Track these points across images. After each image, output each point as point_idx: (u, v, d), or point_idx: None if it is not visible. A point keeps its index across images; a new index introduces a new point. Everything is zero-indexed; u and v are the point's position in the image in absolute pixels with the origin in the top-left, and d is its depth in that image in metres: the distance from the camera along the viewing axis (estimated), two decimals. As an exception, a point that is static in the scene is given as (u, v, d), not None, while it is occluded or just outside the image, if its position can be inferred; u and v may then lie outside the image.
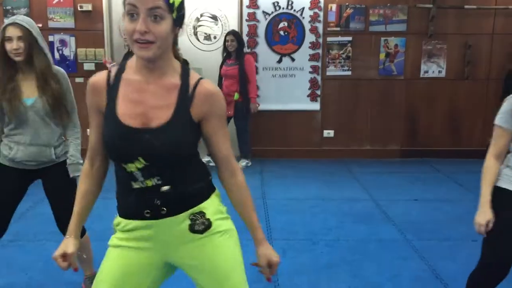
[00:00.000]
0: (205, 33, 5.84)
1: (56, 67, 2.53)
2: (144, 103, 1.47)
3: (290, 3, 5.70)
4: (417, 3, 5.73)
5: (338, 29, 5.78)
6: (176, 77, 1.50)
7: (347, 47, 5.81)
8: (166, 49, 1.45)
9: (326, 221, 3.98)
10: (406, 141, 5.93)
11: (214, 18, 5.79)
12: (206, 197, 1.58)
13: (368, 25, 5.78)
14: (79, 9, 5.54)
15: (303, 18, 5.74)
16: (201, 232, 1.55)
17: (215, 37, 5.83)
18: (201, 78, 1.53)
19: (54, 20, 5.60)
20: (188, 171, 1.54)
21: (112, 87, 1.49)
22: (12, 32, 2.36)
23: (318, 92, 5.90)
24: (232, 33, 5.31)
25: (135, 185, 1.51)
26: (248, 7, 5.66)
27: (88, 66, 5.66)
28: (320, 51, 5.81)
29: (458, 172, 5.37)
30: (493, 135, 2.27)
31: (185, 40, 5.82)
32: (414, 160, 3.69)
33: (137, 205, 1.53)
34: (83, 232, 2.61)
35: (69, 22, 5.60)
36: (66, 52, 5.68)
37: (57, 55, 5.67)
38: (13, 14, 5.55)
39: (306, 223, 3.94)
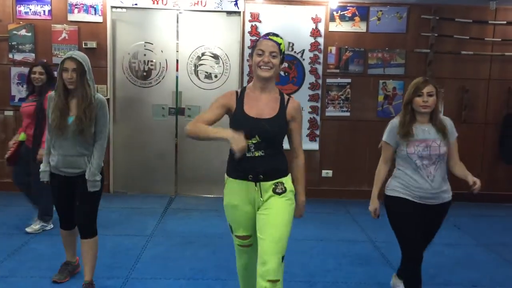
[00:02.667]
0: (206, 72, 5.92)
1: (99, 95, 3.14)
2: (259, 105, 2.51)
3: (291, 45, 5.81)
4: (415, 48, 5.85)
5: (337, 71, 5.88)
6: (277, 94, 2.58)
7: (346, 88, 5.90)
8: (275, 75, 2.53)
9: (324, 263, 3.93)
10: (404, 183, 5.91)
11: (216, 57, 5.89)
12: (285, 175, 2.56)
13: (367, 68, 5.88)
14: (83, 46, 5.64)
15: (303, 59, 5.85)
16: (279, 193, 2.51)
17: (216, 76, 5.91)
18: (290, 96, 2.62)
19: (59, 56, 5.68)
20: (279, 155, 2.54)
21: (240, 97, 2.54)
22: (68, 64, 3.00)
23: (317, 132, 5.94)
24: (41, 64, 4.39)
25: (248, 154, 2.42)
26: (249, 47, 5.77)
27: (90, 102, 5.71)
28: (319, 92, 5.89)
29: (457, 215, 5.34)
30: (382, 148, 3.08)
31: (185, 78, 5.90)
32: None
33: (245, 170, 2.47)
34: (93, 234, 3.21)
35: (73, 59, 5.68)
36: (69, 87, 5.73)
37: (59, 90, 5.73)
38: (19, 50, 5.66)
39: (304, 264, 3.89)
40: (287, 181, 2.54)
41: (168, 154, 6.01)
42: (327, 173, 6.04)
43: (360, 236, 4.67)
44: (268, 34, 2.52)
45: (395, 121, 2.99)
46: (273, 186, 2.48)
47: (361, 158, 6.01)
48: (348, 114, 5.95)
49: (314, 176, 6.01)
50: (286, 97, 2.58)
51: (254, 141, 2.43)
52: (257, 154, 2.44)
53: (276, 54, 2.45)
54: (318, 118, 5.92)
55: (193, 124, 2.46)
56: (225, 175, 2.62)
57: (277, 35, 2.51)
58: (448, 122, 3.00)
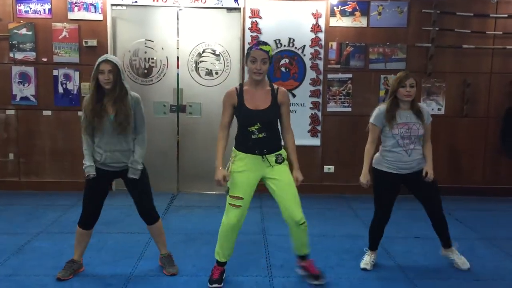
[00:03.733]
0: (207, 69, 5.92)
1: (133, 93, 3.41)
2: (255, 99, 3.24)
3: (291, 40, 5.81)
4: (416, 42, 5.83)
5: (338, 66, 5.87)
6: (268, 87, 3.30)
7: (348, 84, 5.89)
8: (265, 75, 3.24)
9: (327, 259, 3.94)
10: (407, 178, 5.91)
11: (216, 54, 5.89)
12: (281, 148, 3.34)
13: (368, 63, 5.87)
14: (84, 44, 5.65)
15: (304, 55, 5.84)
16: (280, 163, 3.29)
17: (216, 73, 5.91)
18: (278, 87, 3.34)
19: (59, 55, 5.70)
20: (276, 135, 3.32)
21: (240, 93, 3.27)
22: (104, 66, 3.24)
23: (319, 128, 5.94)
24: None
25: (254, 137, 3.22)
26: (250, 44, 5.76)
27: (91, 100, 5.72)
28: (320, 87, 5.89)
29: (458, 209, 5.35)
30: (370, 129, 3.67)
31: (186, 75, 5.90)
32: (414, 197, 3.70)
33: (253, 147, 3.24)
34: (157, 219, 3.61)
35: (74, 57, 5.69)
36: (70, 86, 5.75)
37: (60, 89, 5.74)
38: (19, 49, 5.67)
39: (306, 260, 3.89)
40: (283, 152, 3.34)
41: (169, 151, 6.02)
42: (329, 168, 6.04)
43: (363, 232, 4.66)
44: (258, 44, 3.20)
45: (382, 107, 3.63)
46: (275, 158, 3.27)
47: (363, 153, 5.98)
48: (349, 109, 5.94)
49: (316, 172, 6.01)
50: (275, 87, 3.30)
51: (256, 127, 3.19)
52: (260, 136, 3.21)
53: (266, 61, 3.16)
54: (319, 113, 5.92)
55: (220, 133, 3.32)
56: (234, 150, 3.33)
57: (265, 44, 3.21)
58: (425, 109, 3.67)
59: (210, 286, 3.33)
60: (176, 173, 6.06)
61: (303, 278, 3.50)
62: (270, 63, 3.21)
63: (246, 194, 3.27)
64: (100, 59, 3.29)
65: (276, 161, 3.27)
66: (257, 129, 3.20)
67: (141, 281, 3.47)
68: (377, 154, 3.71)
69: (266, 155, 3.25)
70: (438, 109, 5.93)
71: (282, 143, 3.40)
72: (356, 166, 6.02)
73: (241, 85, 3.31)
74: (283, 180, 3.27)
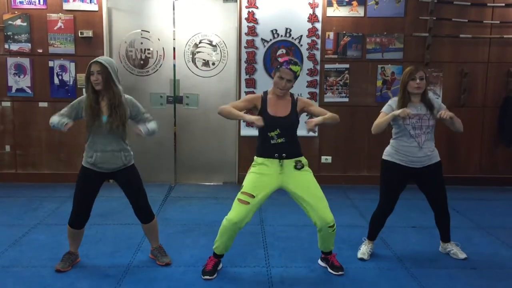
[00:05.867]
0: (204, 60, 5.89)
1: (127, 96, 3.46)
2: (277, 106, 3.35)
3: (288, 31, 5.78)
4: (413, 32, 5.82)
5: (335, 56, 5.85)
6: (289, 97, 3.43)
7: (345, 74, 5.87)
8: (288, 91, 3.41)
9: (324, 248, 3.94)
10: (404, 168, 5.93)
11: (213, 44, 5.86)
12: (301, 155, 3.39)
13: (365, 53, 5.85)
14: (79, 35, 5.61)
15: (301, 45, 5.81)
16: (299, 169, 3.34)
17: (213, 64, 5.89)
18: (297, 97, 3.49)
19: (55, 46, 5.66)
20: (295, 141, 3.38)
21: (264, 99, 3.38)
22: (94, 68, 3.27)
23: (316, 119, 5.92)
24: None
25: (273, 142, 3.30)
26: (247, 34, 5.73)
27: (87, 91, 5.70)
28: (318, 78, 5.87)
29: (455, 199, 5.36)
30: (379, 116, 3.66)
31: (182, 66, 5.88)
32: (411, 187, 3.69)
33: (272, 151, 3.31)
34: (153, 217, 3.61)
35: (70, 48, 5.66)
36: (66, 77, 5.72)
37: (56, 81, 5.71)
38: (14, 40, 5.63)
39: (304, 250, 3.91)
40: (303, 159, 3.38)
41: (167, 142, 6.01)
42: (326, 159, 6.05)
43: (360, 221, 4.69)
44: (289, 63, 3.28)
45: (394, 99, 3.72)
46: (294, 164, 3.33)
47: (360, 143, 6.01)
48: (346, 99, 5.94)
49: (313, 162, 6.00)
50: (295, 97, 3.46)
51: (276, 133, 3.30)
52: (279, 140, 3.31)
53: (291, 79, 3.31)
54: (316, 104, 5.90)
55: (228, 106, 3.29)
56: (255, 157, 3.42)
57: (296, 64, 3.31)
58: (435, 100, 3.74)
59: (203, 277, 3.36)
60: (173, 164, 6.06)
61: (325, 268, 3.53)
62: (296, 79, 3.34)
63: (258, 195, 3.27)
64: (92, 61, 3.32)
65: (295, 167, 3.31)
66: (276, 135, 3.28)
67: (139, 272, 3.48)
68: (388, 147, 3.74)
69: (285, 160, 3.29)
70: (436, 98, 5.91)
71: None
72: (354, 156, 6.07)
73: (265, 93, 3.43)
74: (306, 183, 3.31)
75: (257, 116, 3.25)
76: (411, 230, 4.45)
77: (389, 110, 3.64)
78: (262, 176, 3.30)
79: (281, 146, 3.30)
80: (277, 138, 3.29)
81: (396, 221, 4.59)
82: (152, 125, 3.51)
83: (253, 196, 3.25)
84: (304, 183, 3.31)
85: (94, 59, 3.31)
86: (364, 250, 3.80)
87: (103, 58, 3.35)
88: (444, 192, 3.73)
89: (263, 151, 3.35)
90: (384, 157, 3.74)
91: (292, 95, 3.44)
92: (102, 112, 3.31)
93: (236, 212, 3.25)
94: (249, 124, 3.30)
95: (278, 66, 3.32)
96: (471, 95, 5.97)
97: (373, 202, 5.29)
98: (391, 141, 3.73)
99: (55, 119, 3.35)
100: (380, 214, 3.78)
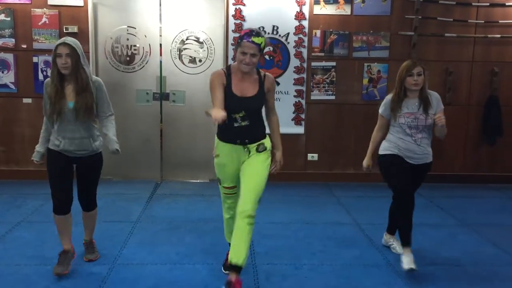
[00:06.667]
0: (190, 56, 5.86)
1: (95, 78, 3.27)
2: (243, 85, 3.06)
3: (275, 28, 5.78)
4: (399, 31, 5.85)
5: (322, 54, 5.87)
6: (255, 75, 3.12)
7: (331, 72, 5.89)
8: (254, 66, 3.06)
9: (310, 246, 3.96)
10: (389, 165, 5.97)
11: (200, 41, 5.83)
12: (264, 137, 3.17)
13: (351, 51, 5.87)
14: (64, 31, 5.54)
15: (288, 43, 5.81)
16: (260, 151, 3.13)
17: (200, 61, 5.86)
18: (265, 74, 3.17)
19: (39, 41, 5.59)
20: (260, 123, 3.16)
21: (228, 77, 3.06)
22: (61, 50, 3.05)
23: (303, 116, 5.94)
24: None
25: (236, 124, 3.04)
26: (234, 31, 5.72)
27: (72, 88, 5.63)
28: (304, 75, 5.88)
29: (440, 197, 5.42)
30: (378, 118, 3.67)
31: (169, 62, 5.84)
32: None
33: (234, 136, 3.07)
34: (95, 206, 3.57)
35: (54, 44, 5.57)
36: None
37: (41, 76, 5.64)
38: (-3, 35, 5.54)
39: (290, 248, 3.92)
40: (266, 141, 3.18)
41: (153, 139, 5.98)
42: (312, 156, 6.06)
43: (345, 219, 4.71)
44: (250, 35, 2.95)
45: (389, 97, 3.58)
46: (256, 146, 3.12)
47: (347, 141, 6.03)
48: (333, 97, 5.95)
49: (299, 160, 6.02)
50: (262, 74, 3.15)
51: (240, 115, 3.03)
52: (243, 123, 3.05)
53: (256, 53, 2.96)
54: (303, 101, 5.92)
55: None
56: (216, 139, 3.17)
57: (258, 35, 2.96)
58: (434, 97, 3.56)
59: (224, 271, 3.36)
60: (159, 162, 6.02)
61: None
62: (262, 53, 3.04)
63: (237, 181, 3.21)
64: (58, 42, 3.14)
65: (257, 150, 3.12)
66: (241, 117, 3.03)
67: (125, 269, 3.46)
68: (384, 142, 3.66)
69: (248, 145, 3.11)
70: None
71: (267, 131, 3.28)
72: (340, 154, 6.09)
73: (228, 68, 3.12)
74: (253, 167, 3.10)
75: (216, 110, 2.81)
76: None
77: (385, 112, 3.60)
78: (228, 166, 3.15)
79: (245, 130, 3.06)
80: (241, 120, 3.04)
81: (382, 218, 4.62)
82: (112, 129, 3.32)
83: (234, 187, 3.23)
84: (252, 164, 3.10)
85: (60, 40, 3.15)
86: (407, 259, 3.40)
87: (70, 40, 3.14)
88: (417, 187, 3.68)
89: (224, 134, 3.12)
90: (381, 152, 3.64)
91: (259, 72, 3.15)
92: (68, 98, 3.14)
93: (229, 202, 3.29)
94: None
95: (239, 41, 2.98)
96: (456, 93, 6.02)
97: (358, 199, 5.35)
98: (388, 136, 3.65)
99: (37, 145, 3.38)
100: (400, 211, 3.52)
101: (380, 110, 3.65)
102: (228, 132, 3.10)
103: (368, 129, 5.96)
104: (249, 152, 3.11)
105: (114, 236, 4.06)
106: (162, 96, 5.90)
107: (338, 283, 3.32)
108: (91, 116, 3.22)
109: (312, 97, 5.94)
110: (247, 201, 2.99)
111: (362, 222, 4.57)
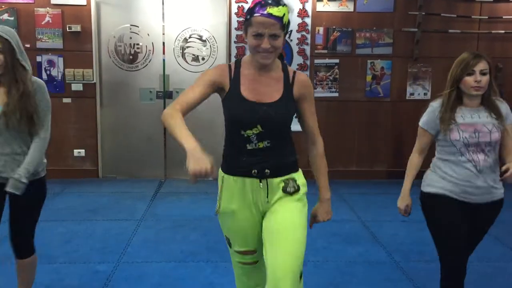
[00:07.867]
0: (193, 55, 5.87)
1: (35, 78, 2.44)
2: (258, 87, 1.96)
3: (278, 25, 5.77)
4: (402, 27, 5.84)
5: (325, 51, 5.86)
6: (279, 71, 2.01)
7: (334, 69, 5.89)
8: (277, 55, 1.96)
9: (314, 242, 3.96)
10: (393, 162, 5.97)
11: (203, 39, 5.84)
12: (296, 170, 2.12)
13: (354, 48, 5.87)
14: (67, 30, 5.55)
15: (291, 40, 5.81)
16: (290, 193, 2.07)
17: (203, 59, 5.87)
18: (295, 71, 2.05)
19: (43, 40, 5.60)
20: (288, 145, 2.07)
21: (235, 75, 1.97)
22: None
23: (306, 113, 5.93)
24: None
25: (249, 147, 1.96)
26: (236, 29, 5.72)
27: (76, 87, 5.65)
28: (307, 73, 5.87)
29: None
30: (418, 134, 2.53)
31: (172, 61, 5.85)
32: (401, 181, 3.69)
33: (247, 165, 1.97)
34: (32, 252, 2.57)
35: (58, 43, 5.60)
36: (54, 72, 5.66)
37: (44, 76, 5.66)
38: (1, 34, 5.54)
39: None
40: (299, 176, 2.11)
41: (157, 137, 5.99)
42: (316, 154, 6.05)
43: (349, 216, 4.72)
44: (266, 4, 1.82)
45: (436, 104, 2.44)
46: (283, 184, 2.02)
47: (350, 138, 6.03)
48: (336, 94, 5.95)
49: (302, 157, 6.00)
50: (290, 71, 2.03)
51: (255, 131, 1.94)
52: (261, 145, 1.96)
53: (277, 33, 1.85)
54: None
55: (171, 109, 1.88)
56: (220, 172, 2.08)
57: (277, 3, 1.83)
58: (503, 104, 2.44)
59: None
60: (163, 160, 6.04)
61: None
62: (286, 33, 1.92)
63: (257, 242, 2.10)
64: None
65: (284, 190, 2.04)
66: (257, 135, 1.95)
67: (129, 267, 3.47)
68: (429, 172, 2.52)
69: (268, 179, 2.00)
70: (424, 94, 5.96)
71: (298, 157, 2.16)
72: (343, 151, 6.09)
73: (238, 62, 2.02)
74: (284, 218, 2.03)
75: (200, 151, 1.83)
76: (400, 224, 4.47)
77: (430, 124, 2.44)
78: (240, 214, 2.05)
79: (264, 155, 1.98)
80: (258, 140, 1.96)
81: (385, 215, 4.63)
82: (30, 156, 2.39)
83: (253, 252, 2.14)
84: (286, 223, 2.04)
85: None
86: None
87: (3, 29, 2.35)
88: (476, 245, 2.63)
89: (232, 163, 2.03)
90: (424, 188, 2.50)
91: (285, 66, 2.04)
92: None
93: (244, 279, 2.22)
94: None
95: (248, 17, 1.88)
96: (460, 90, 6.00)
97: (362, 196, 5.33)
98: (434, 161, 2.50)
99: None
100: (450, 284, 2.50)
101: (421, 122, 2.49)
102: (238, 159, 2.00)
103: (372, 126, 5.99)
104: (267, 192, 2.02)
105: (119, 234, 4.08)
106: (166, 94, 5.91)
107: (343, 280, 3.33)
108: (27, 126, 2.38)
109: (315, 95, 5.86)
110: (283, 278, 1.90)
111: (366, 219, 4.57)
